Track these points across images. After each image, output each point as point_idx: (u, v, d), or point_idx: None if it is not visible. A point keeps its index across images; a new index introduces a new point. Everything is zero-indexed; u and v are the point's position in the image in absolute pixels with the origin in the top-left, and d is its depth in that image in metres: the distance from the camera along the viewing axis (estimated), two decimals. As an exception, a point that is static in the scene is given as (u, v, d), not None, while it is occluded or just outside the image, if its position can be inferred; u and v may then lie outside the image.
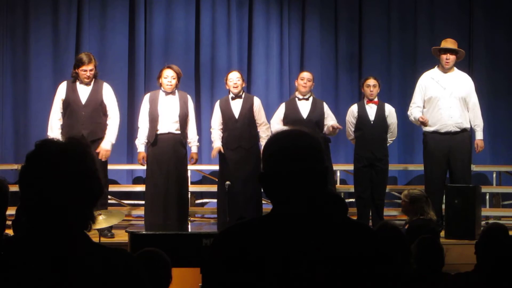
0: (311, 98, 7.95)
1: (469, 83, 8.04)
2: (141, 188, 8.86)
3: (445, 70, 7.96)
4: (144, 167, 7.76)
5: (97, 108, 7.49)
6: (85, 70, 7.38)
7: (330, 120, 7.92)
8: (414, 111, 8.00)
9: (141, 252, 3.98)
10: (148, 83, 9.60)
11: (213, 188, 8.64)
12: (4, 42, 9.50)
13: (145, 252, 3.98)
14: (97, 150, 7.26)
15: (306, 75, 8.01)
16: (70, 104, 7.45)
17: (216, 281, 2.03)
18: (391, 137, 8.07)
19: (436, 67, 8.08)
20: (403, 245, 4.16)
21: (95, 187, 1.93)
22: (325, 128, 7.87)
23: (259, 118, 7.81)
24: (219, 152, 7.72)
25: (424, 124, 7.87)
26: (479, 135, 8.00)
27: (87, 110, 7.44)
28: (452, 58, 7.93)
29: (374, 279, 2.00)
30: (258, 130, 7.80)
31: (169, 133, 7.57)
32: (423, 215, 6.09)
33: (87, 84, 7.47)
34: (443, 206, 7.80)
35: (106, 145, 7.45)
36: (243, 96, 7.83)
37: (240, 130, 7.72)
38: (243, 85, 7.87)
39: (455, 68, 8.05)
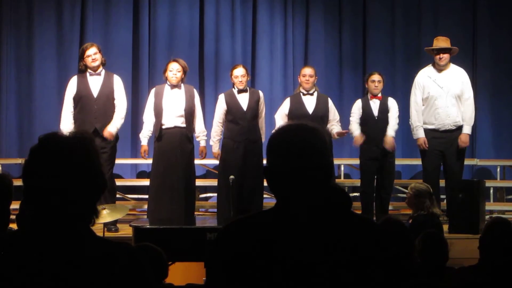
0: (315, 93, 7.92)
1: (465, 79, 7.96)
2: (145, 182, 8.85)
3: (440, 68, 7.92)
4: (147, 161, 7.75)
5: (109, 101, 7.45)
6: (89, 55, 7.35)
7: (332, 115, 7.89)
8: (418, 132, 7.86)
9: (137, 246, 3.99)
10: (152, 77, 9.60)
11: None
12: (8, 36, 9.51)
13: (141, 246, 3.98)
14: (103, 132, 7.27)
15: (308, 71, 7.95)
16: (82, 98, 7.39)
17: (219, 276, 2.02)
18: (392, 128, 7.92)
19: (430, 65, 8.03)
20: (407, 239, 4.16)
21: (99, 182, 1.93)
22: (333, 132, 7.80)
23: (261, 111, 7.82)
24: (222, 146, 7.74)
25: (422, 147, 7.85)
26: (465, 129, 7.85)
27: (100, 103, 7.40)
28: (445, 56, 7.89)
29: (377, 274, 2.00)
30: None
31: (175, 127, 7.55)
32: (424, 210, 6.08)
33: (97, 73, 7.42)
34: (444, 202, 7.80)
35: (111, 128, 7.37)
36: (248, 89, 7.84)
37: (249, 122, 7.71)
38: (248, 79, 7.87)
39: (450, 64, 7.99)
